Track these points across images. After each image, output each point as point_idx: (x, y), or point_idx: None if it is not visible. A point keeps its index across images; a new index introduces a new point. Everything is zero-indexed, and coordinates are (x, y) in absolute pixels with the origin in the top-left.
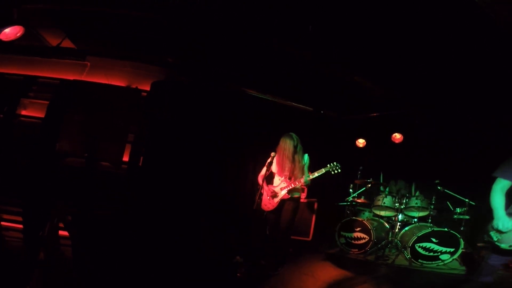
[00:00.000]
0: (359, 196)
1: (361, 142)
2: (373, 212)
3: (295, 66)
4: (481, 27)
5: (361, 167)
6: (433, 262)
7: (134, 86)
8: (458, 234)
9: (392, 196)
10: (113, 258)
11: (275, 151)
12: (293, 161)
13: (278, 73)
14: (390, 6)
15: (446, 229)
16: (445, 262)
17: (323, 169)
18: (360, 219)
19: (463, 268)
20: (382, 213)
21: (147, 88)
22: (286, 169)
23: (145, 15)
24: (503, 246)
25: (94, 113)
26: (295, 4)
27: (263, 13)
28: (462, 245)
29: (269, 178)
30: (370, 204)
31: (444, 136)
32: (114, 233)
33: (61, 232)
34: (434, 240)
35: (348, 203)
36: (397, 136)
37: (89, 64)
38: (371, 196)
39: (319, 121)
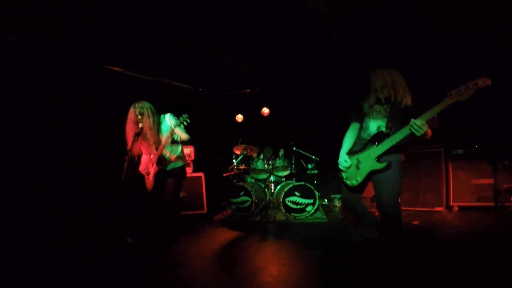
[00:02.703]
0: (240, 164)
1: (239, 118)
2: (253, 177)
3: (163, 42)
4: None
5: (240, 139)
6: (302, 214)
7: None
8: (312, 186)
9: (262, 160)
10: None
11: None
12: (151, 131)
13: (144, 50)
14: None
15: (303, 183)
16: (310, 212)
17: (173, 124)
18: (242, 183)
19: (324, 217)
20: (259, 176)
21: None
22: (148, 140)
23: None
24: (348, 182)
25: None
26: None
27: None
28: (317, 196)
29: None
30: (249, 170)
31: (296, 107)
32: None
33: None
34: (297, 193)
35: (233, 172)
36: (266, 111)
37: None
38: (249, 163)
39: (200, 98)
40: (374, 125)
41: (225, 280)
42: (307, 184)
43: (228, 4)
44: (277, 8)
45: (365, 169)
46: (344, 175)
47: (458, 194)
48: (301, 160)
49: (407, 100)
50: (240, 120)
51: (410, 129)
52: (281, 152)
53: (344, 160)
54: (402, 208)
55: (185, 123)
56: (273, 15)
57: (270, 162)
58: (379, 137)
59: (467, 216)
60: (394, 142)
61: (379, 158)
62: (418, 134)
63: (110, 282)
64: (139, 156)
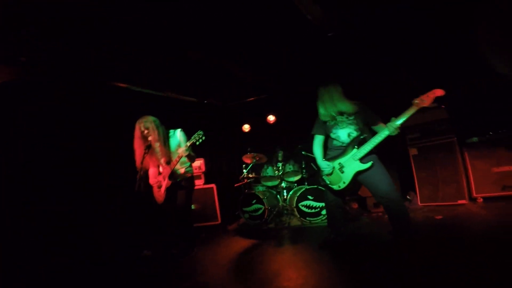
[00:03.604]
0: (250, 173)
1: (246, 128)
2: (264, 185)
3: (166, 54)
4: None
5: (249, 148)
6: (318, 218)
7: None
8: (323, 188)
9: (272, 166)
10: None
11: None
12: (159, 144)
13: (149, 65)
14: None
15: (316, 186)
16: (326, 216)
17: (187, 142)
18: (253, 191)
19: None
20: (269, 183)
21: None
22: (156, 153)
23: None
24: (335, 187)
25: None
26: None
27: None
28: None
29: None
30: (260, 178)
31: (301, 111)
32: None
33: None
34: (310, 197)
35: (243, 182)
36: (271, 118)
37: None
38: (259, 171)
39: (205, 110)
40: (344, 133)
41: (241, 286)
42: (319, 187)
43: (225, 11)
44: (273, 14)
45: (351, 171)
46: (327, 180)
47: (480, 184)
48: (312, 164)
49: (350, 109)
50: (247, 130)
51: (388, 131)
52: (291, 160)
53: (326, 165)
54: (422, 204)
55: (200, 141)
56: (270, 20)
57: (280, 168)
58: (357, 141)
59: (493, 207)
60: (374, 144)
61: (362, 159)
62: (393, 134)
63: None
64: (147, 170)
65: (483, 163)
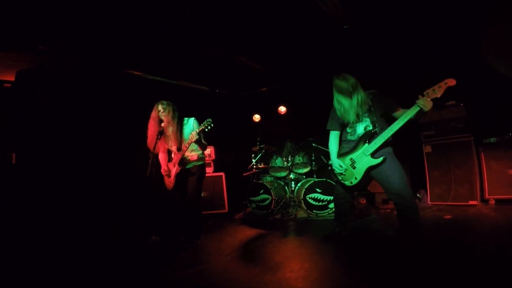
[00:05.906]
0: (259, 163)
1: (257, 118)
2: (272, 176)
3: (179, 46)
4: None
5: (258, 138)
6: (325, 211)
7: None
8: (334, 182)
9: (281, 157)
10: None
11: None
12: (172, 128)
13: (165, 54)
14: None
15: (324, 179)
16: (333, 209)
17: (196, 129)
18: (261, 181)
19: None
20: (278, 174)
21: (12, 78)
22: (171, 139)
23: None
24: (347, 183)
25: None
26: None
27: None
28: None
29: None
30: (268, 169)
31: (313, 103)
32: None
33: None
34: (318, 190)
35: (252, 171)
36: (282, 109)
37: None
38: (268, 161)
39: (216, 99)
40: (361, 127)
41: (244, 276)
42: (328, 180)
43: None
44: (288, 5)
45: (362, 166)
46: (339, 177)
47: (494, 186)
48: (322, 157)
49: (368, 99)
50: (257, 120)
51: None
52: (301, 153)
53: (339, 165)
54: (432, 203)
55: (209, 127)
56: (284, 12)
57: (290, 159)
58: (369, 136)
59: (505, 210)
60: (385, 138)
61: (373, 154)
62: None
63: (132, 277)
64: (157, 155)
65: (499, 164)
